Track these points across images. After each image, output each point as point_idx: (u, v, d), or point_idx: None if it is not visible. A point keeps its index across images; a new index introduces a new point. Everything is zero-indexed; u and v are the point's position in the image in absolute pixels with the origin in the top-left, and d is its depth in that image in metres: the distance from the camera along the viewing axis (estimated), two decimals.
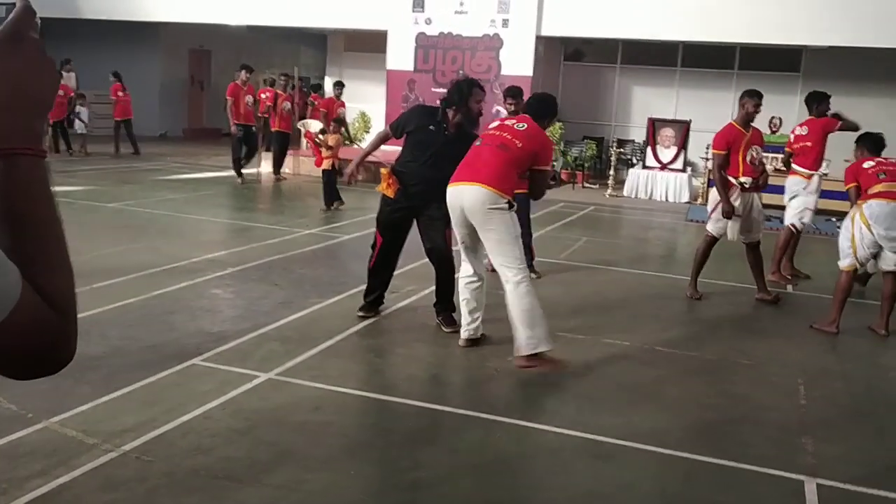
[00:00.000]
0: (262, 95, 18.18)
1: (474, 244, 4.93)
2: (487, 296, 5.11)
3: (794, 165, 7.84)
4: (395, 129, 5.49)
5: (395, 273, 5.91)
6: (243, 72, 13.05)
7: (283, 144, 13.65)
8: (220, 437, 3.59)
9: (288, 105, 13.41)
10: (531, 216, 7.40)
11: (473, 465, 3.57)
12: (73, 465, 3.24)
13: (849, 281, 5.94)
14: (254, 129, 13.13)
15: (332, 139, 10.40)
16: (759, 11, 13.47)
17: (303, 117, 19.97)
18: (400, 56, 15.65)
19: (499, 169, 4.73)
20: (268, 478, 3.27)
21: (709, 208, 6.89)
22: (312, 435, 3.70)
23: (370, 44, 17.30)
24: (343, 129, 11.57)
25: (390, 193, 5.30)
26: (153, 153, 16.12)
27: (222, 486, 3.18)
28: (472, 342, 5.05)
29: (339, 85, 14.32)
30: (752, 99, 6.59)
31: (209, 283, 6.31)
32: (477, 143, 4.95)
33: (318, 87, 21.00)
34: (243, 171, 12.92)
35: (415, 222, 5.47)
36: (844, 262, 5.97)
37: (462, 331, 5.08)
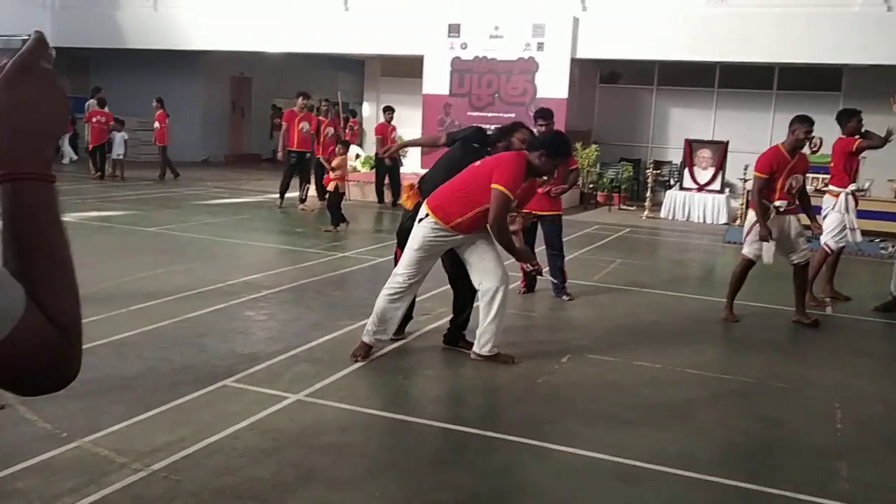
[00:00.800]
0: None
1: (467, 257, 5.11)
2: (515, 318, 5.11)
3: (828, 185, 7.79)
4: (450, 137, 5.76)
5: (427, 295, 5.92)
6: (300, 98, 12.88)
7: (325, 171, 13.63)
8: (247, 457, 3.63)
9: (331, 131, 13.43)
10: (563, 238, 7.39)
11: (497, 487, 3.55)
12: (103, 484, 3.30)
13: None
14: (308, 155, 12.97)
15: (336, 161, 10.57)
16: (798, 30, 13.35)
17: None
18: (436, 80, 15.80)
19: (445, 187, 5.04)
20: (292, 499, 3.29)
21: (744, 231, 6.78)
22: (338, 456, 3.72)
23: (406, 69, 17.52)
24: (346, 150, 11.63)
25: (409, 205, 5.38)
26: (194, 178, 16.43)
27: None
28: (480, 357, 5.17)
29: (389, 110, 14.22)
30: (804, 125, 6.40)
31: (243, 305, 6.40)
32: None
33: (355, 113, 21.33)
34: (297, 195, 12.86)
35: None
36: None
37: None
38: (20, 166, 0.96)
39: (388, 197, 13.67)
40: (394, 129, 14.07)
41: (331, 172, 10.62)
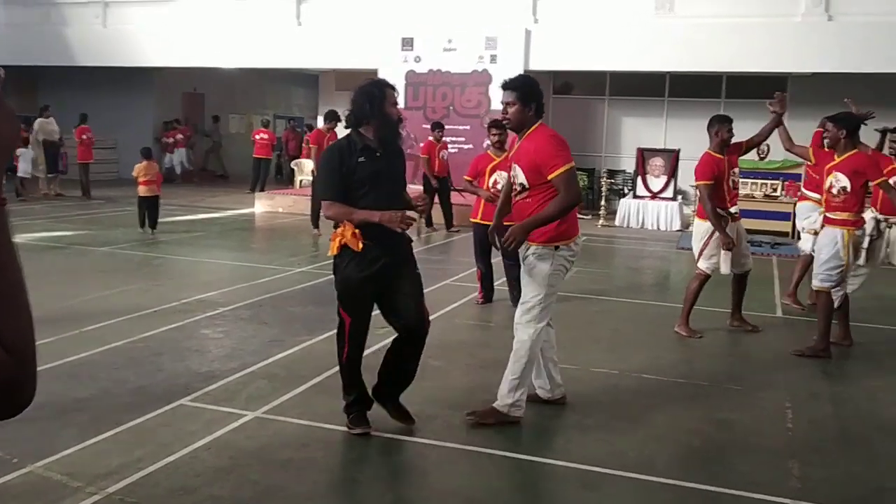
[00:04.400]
0: (257, 136, 18.41)
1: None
2: (473, 329, 5.10)
3: (804, 190, 7.84)
4: (337, 190, 4.03)
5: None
6: (333, 121, 12.08)
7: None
8: (204, 476, 3.59)
9: None
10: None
11: (460, 496, 3.56)
12: None
13: None
14: None
15: (136, 170, 11.14)
16: (743, 40, 13.66)
17: (296, 157, 20.20)
18: None
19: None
20: None
21: (696, 244, 6.58)
22: (298, 472, 3.70)
23: (361, 82, 17.49)
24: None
25: (358, 247, 3.94)
26: None
27: None
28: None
29: (438, 127, 12.73)
30: (725, 125, 6.48)
31: (198, 323, 6.33)
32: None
33: (311, 128, 21.17)
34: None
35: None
36: None
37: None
38: None
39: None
40: (444, 146, 12.75)
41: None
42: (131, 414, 4.28)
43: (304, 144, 20.01)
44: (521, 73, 14.98)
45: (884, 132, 7.34)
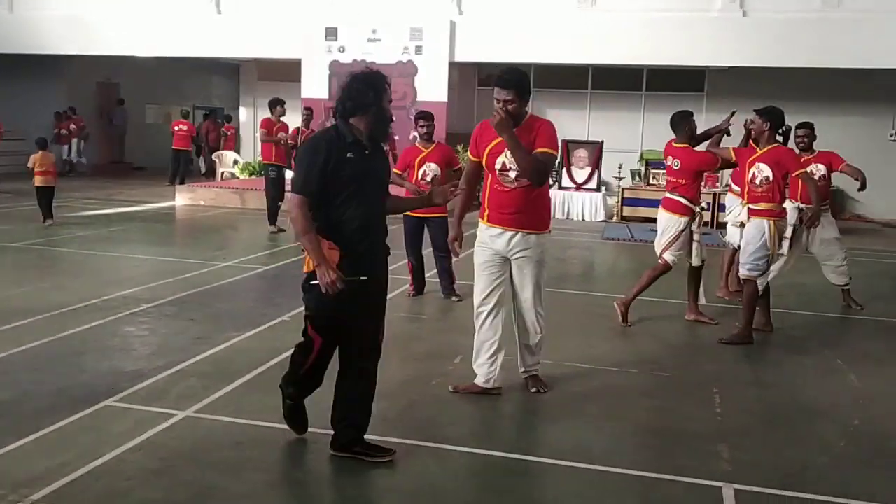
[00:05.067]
0: (176, 128, 17.94)
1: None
2: (405, 321, 5.07)
3: (730, 182, 8.02)
4: (314, 188, 3.56)
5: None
6: (279, 107, 11.32)
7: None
8: (135, 479, 3.47)
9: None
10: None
11: (399, 490, 3.54)
12: None
13: None
14: (285, 170, 10.96)
15: (31, 161, 11.17)
16: (663, 34, 14.00)
17: (216, 149, 19.76)
18: (314, 85, 15.64)
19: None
20: None
21: (661, 236, 6.63)
22: (233, 471, 3.61)
23: (284, 73, 17.27)
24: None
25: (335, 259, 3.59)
26: (60, 188, 15.56)
27: None
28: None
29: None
30: (691, 118, 6.58)
31: (122, 320, 6.12)
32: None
33: (230, 118, 20.74)
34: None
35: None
36: None
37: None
38: None
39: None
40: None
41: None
42: (53, 417, 4.11)
43: (221, 137, 19.61)
44: (447, 65, 15.04)
45: (787, 131, 7.45)
